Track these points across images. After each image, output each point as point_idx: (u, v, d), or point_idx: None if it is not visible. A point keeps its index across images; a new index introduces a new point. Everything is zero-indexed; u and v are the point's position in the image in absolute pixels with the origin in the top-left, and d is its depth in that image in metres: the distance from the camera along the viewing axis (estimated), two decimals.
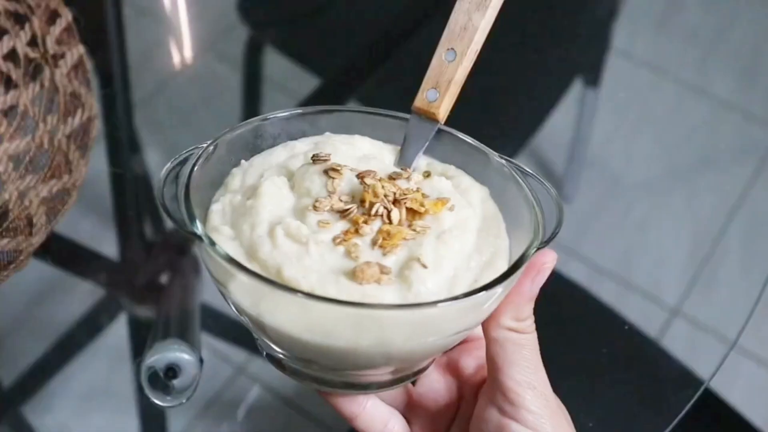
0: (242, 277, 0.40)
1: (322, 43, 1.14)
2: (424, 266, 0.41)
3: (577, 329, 0.87)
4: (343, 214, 0.43)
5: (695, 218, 1.42)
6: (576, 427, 0.46)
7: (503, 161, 0.47)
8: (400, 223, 0.43)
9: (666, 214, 1.45)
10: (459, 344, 0.51)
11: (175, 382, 0.63)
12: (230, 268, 0.40)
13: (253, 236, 0.42)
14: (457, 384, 0.50)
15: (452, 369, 0.51)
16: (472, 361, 0.50)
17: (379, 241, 0.42)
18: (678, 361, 0.85)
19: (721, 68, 1.62)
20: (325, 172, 0.44)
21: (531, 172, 0.46)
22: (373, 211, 0.42)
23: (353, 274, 0.40)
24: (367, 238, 0.42)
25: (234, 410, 0.93)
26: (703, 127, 1.55)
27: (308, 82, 1.07)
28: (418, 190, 0.44)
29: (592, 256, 1.37)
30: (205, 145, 0.46)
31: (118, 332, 0.91)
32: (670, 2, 1.71)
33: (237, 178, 0.46)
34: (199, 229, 0.41)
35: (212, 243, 0.41)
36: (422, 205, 0.43)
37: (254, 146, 0.48)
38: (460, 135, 0.48)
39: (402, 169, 0.47)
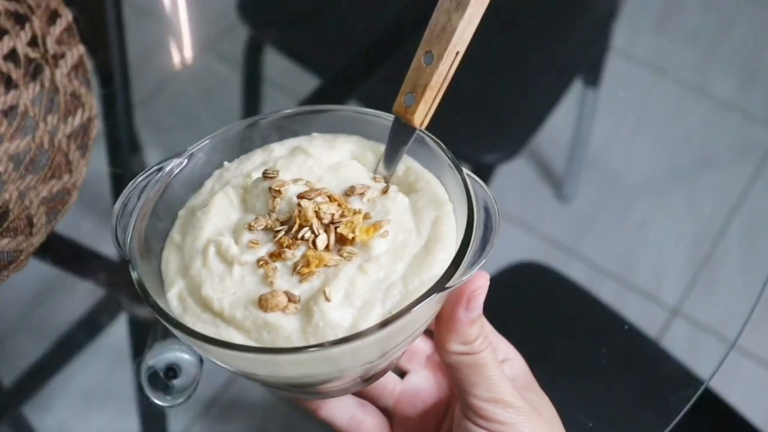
0: (155, 312, 0.40)
1: (322, 43, 1.14)
2: (327, 299, 0.40)
3: (577, 329, 0.87)
4: (275, 235, 0.42)
5: (695, 218, 1.42)
6: (576, 427, 0.47)
7: (467, 179, 0.44)
8: (327, 249, 0.42)
9: (666, 214, 1.45)
10: None
11: (175, 382, 0.62)
12: (143, 298, 0.41)
13: (192, 250, 0.43)
14: (448, 382, 0.50)
15: (443, 367, 0.51)
16: None
17: (299, 267, 0.41)
18: (678, 361, 0.85)
19: (721, 68, 1.62)
20: (270, 189, 0.44)
21: (489, 193, 0.44)
22: (299, 235, 0.42)
23: (259, 302, 0.40)
24: (289, 263, 0.42)
25: (234, 410, 0.93)
26: (703, 127, 1.55)
27: (308, 82, 1.07)
28: (359, 212, 0.43)
29: (592, 256, 1.37)
30: (177, 159, 0.46)
31: (118, 332, 0.91)
32: (670, 2, 1.71)
33: (210, 182, 0.47)
34: (136, 263, 0.42)
35: (138, 282, 0.42)
36: (353, 231, 0.42)
37: (242, 147, 0.48)
38: (435, 145, 0.46)
39: (372, 178, 0.46)
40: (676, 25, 1.68)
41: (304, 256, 0.41)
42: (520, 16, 1.16)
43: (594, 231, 1.41)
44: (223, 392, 1.01)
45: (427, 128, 0.47)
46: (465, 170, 0.45)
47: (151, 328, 0.68)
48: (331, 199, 0.43)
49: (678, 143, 1.53)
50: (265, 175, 0.45)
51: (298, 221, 0.42)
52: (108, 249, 0.93)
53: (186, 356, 0.63)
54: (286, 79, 1.21)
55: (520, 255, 0.94)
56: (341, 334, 0.39)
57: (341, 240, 0.42)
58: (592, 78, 1.30)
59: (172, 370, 0.63)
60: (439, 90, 0.45)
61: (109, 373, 1.04)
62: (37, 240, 0.63)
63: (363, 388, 0.47)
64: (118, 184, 0.88)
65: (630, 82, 1.57)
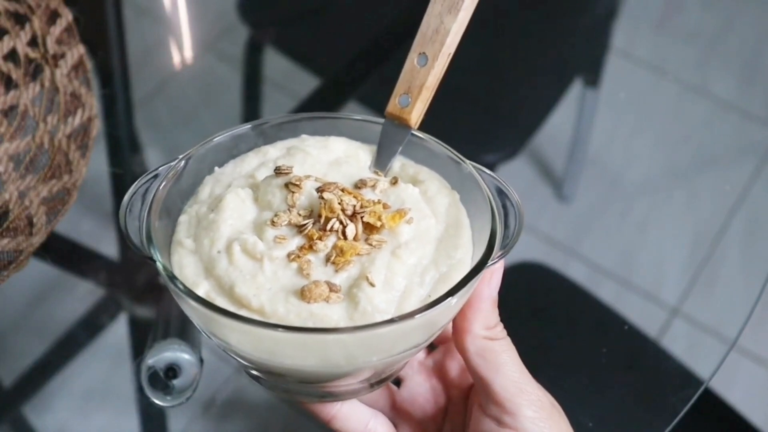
0: (190, 302, 0.40)
1: (322, 43, 1.14)
2: (372, 285, 0.40)
3: (577, 329, 0.87)
4: (300, 229, 0.43)
5: (695, 218, 1.42)
6: (576, 427, 0.46)
7: (472, 169, 0.46)
8: (356, 238, 0.42)
9: (666, 214, 1.45)
10: (443, 346, 0.51)
11: (175, 382, 0.62)
12: (178, 292, 0.40)
13: (211, 252, 0.43)
14: (444, 387, 0.50)
15: (437, 372, 0.50)
16: (456, 364, 0.49)
17: (333, 257, 0.42)
18: (678, 361, 0.85)
19: (721, 68, 1.62)
20: (286, 185, 0.44)
21: (500, 179, 0.45)
22: (328, 227, 0.42)
23: (302, 294, 0.40)
24: (321, 254, 0.42)
25: (234, 410, 0.93)
26: (703, 127, 1.55)
27: (308, 82, 1.07)
28: (378, 202, 0.44)
29: (592, 256, 1.37)
30: (174, 162, 0.46)
31: (118, 332, 0.91)
32: (670, 2, 1.71)
33: (207, 188, 0.47)
34: (157, 256, 0.42)
35: (165, 269, 0.41)
36: (379, 219, 0.43)
37: (230, 154, 0.48)
38: (433, 142, 0.47)
39: (374, 172, 0.47)
40: (676, 25, 1.68)
41: (335, 246, 0.42)
42: (521, 16, 1.16)
43: (594, 231, 1.41)
44: (223, 392, 1.01)
45: (426, 128, 0.47)
46: (468, 161, 0.46)
47: (151, 328, 0.68)
48: (345, 192, 0.44)
49: (678, 143, 1.53)
50: (279, 172, 0.45)
51: (324, 213, 0.43)
52: (108, 249, 0.94)
53: (186, 356, 0.63)
54: (286, 79, 1.21)
55: (520, 255, 0.94)
56: (388, 318, 0.40)
57: (368, 229, 0.43)
58: (592, 78, 1.30)
59: (172, 370, 0.63)
60: (433, 90, 0.46)
61: (109, 373, 1.04)
62: (37, 240, 0.63)
63: (368, 394, 0.47)
64: (118, 184, 0.88)
65: (630, 82, 1.57)
